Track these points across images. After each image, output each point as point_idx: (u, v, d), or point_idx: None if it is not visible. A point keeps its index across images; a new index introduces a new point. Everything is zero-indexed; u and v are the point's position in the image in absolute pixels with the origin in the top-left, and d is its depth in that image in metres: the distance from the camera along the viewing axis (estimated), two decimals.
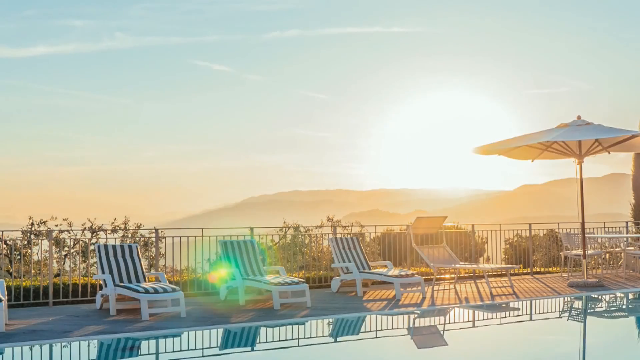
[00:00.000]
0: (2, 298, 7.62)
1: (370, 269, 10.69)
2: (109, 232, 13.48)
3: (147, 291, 8.14)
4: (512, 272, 12.92)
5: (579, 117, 11.27)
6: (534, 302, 9.47)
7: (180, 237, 10.78)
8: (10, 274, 12.33)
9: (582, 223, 11.63)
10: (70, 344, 6.50)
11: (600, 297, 9.64)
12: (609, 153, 11.52)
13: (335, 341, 5.89)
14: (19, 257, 12.92)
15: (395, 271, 10.40)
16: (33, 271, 12.39)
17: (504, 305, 9.33)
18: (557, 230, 15.15)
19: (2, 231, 10.09)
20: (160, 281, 9.01)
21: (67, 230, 13.41)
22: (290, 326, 7.57)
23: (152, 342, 6.67)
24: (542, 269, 14.49)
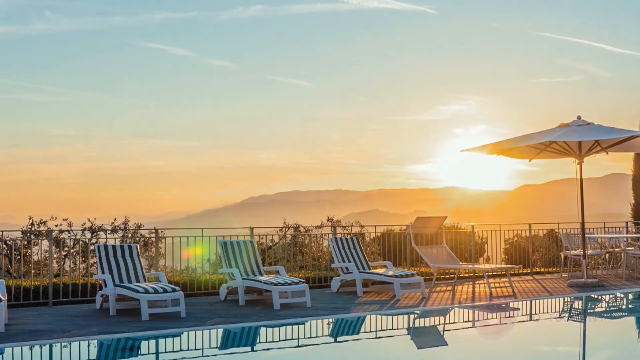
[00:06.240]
0: (2, 298, 7.62)
1: (370, 269, 10.69)
2: (109, 232, 13.50)
3: (147, 291, 8.14)
4: (511, 272, 12.92)
5: (579, 117, 11.27)
6: (533, 302, 9.47)
7: (180, 237, 10.79)
8: (10, 274, 12.33)
9: (582, 223, 11.63)
10: (70, 344, 6.51)
11: (600, 298, 9.65)
12: (607, 153, 11.54)
13: (335, 341, 5.90)
14: (19, 257, 12.92)
15: (395, 271, 10.40)
16: (33, 271, 12.40)
17: (503, 305, 9.33)
18: (557, 231, 15.16)
19: (2, 231, 10.10)
20: (160, 281, 9.02)
21: (67, 230, 13.42)
22: (290, 326, 7.58)
23: (152, 342, 6.68)
24: (542, 269, 14.50)
